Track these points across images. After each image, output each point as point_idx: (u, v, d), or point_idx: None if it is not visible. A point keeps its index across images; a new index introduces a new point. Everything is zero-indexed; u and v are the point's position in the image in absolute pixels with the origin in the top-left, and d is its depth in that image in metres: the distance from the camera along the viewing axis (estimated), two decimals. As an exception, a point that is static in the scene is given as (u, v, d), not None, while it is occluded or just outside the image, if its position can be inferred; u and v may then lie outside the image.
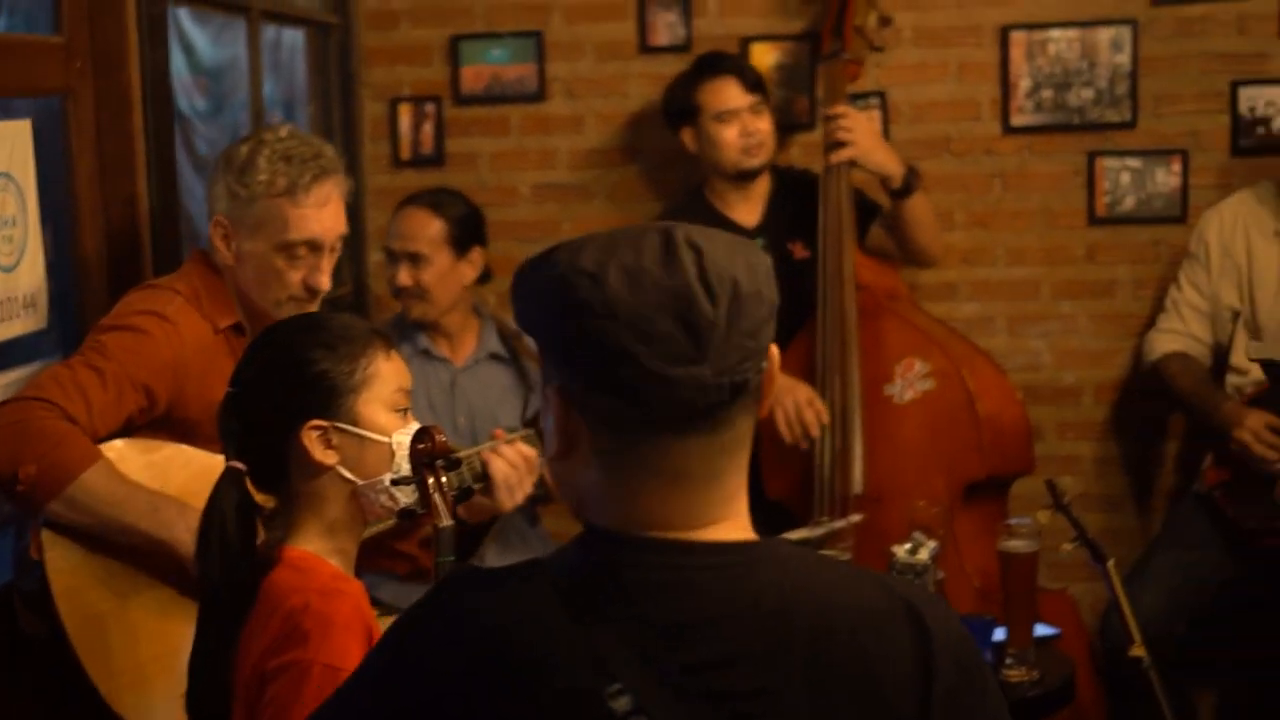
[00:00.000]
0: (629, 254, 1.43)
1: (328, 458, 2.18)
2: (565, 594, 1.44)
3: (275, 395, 2.18)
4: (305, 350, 2.19)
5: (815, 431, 3.77)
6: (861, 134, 3.92)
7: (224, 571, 2.12)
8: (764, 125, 4.00)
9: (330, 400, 2.19)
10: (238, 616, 2.11)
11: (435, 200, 3.85)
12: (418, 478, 2.24)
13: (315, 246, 2.98)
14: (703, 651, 1.41)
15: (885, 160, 3.93)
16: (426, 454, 2.24)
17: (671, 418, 1.43)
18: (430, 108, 4.48)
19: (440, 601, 1.51)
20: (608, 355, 1.41)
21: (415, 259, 3.77)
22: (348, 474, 2.20)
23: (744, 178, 4.03)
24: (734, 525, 1.49)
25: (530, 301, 1.49)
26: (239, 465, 2.16)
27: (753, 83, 4.02)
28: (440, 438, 2.25)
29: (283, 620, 2.05)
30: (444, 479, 2.26)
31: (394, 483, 2.23)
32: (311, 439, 2.17)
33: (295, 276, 2.98)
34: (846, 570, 1.54)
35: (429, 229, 3.78)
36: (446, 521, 2.23)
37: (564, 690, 1.40)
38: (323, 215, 2.99)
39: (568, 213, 4.48)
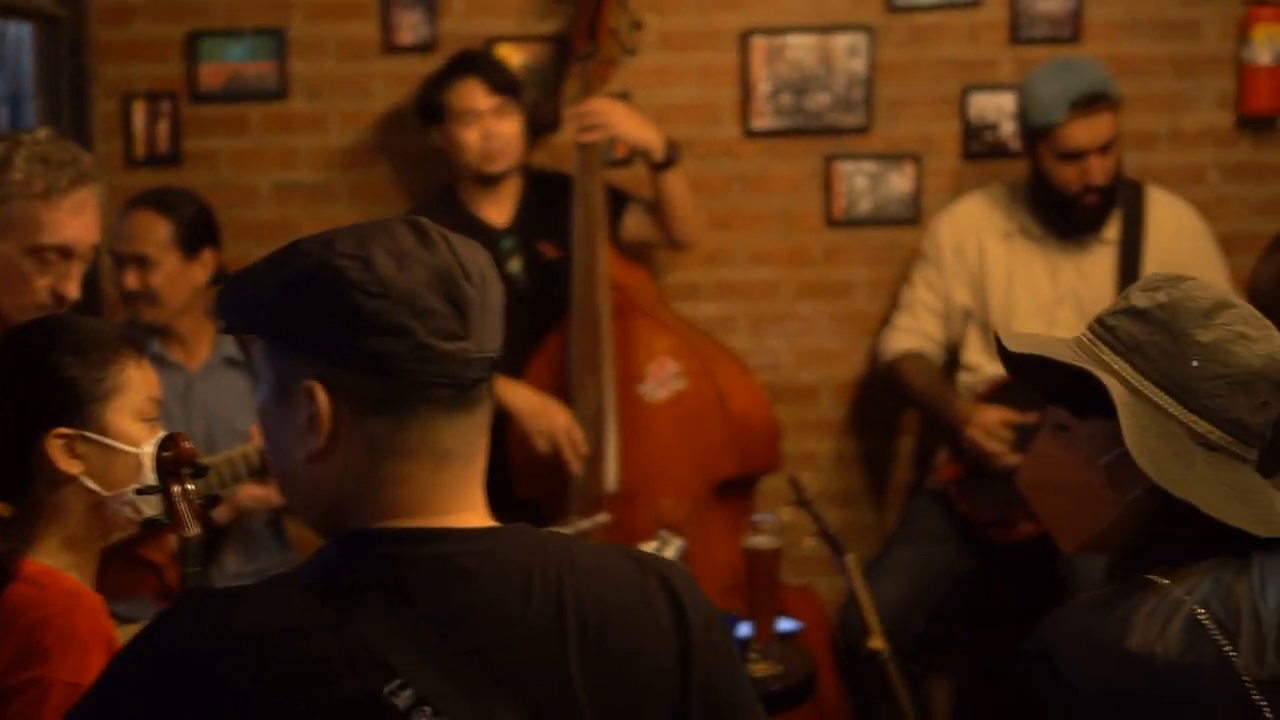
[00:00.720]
0: (385, 239, 1.47)
1: (72, 467, 2.11)
2: (329, 597, 1.43)
3: (19, 400, 2.11)
4: (53, 354, 2.12)
5: (576, 470, 3.79)
6: (614, 115, 3.94)
7: None
8: (508, 129, 3.98)
9: (77, 407, 2.12)
10: None
11: (162, 200, 3.74)
12: (163, 487, 2.19)
13: (67, 253, 2.90)
14: (480, 637, 1.43)
15: (646, 134, 3.97)
16: (171, 461, 2.18)
17: (442, 395, 1.46)
18: (166, 105, 4.36)
19: (187, 618, 1.46)
20: (383, 334, 1.44)
21: (142, 262, 3.66)
22: (92, 485, 2.13)
23: (488, 180, 4.01)
24: (483, 511, 1.52)
25: (273, 298, 1.48)
26: None
27: (500, 84, 4.00)
28: (185, 445, 2.20)
29: (21, 636, 1.99)
30: (190, 487, 2.21)
31: (139, 492, 2.17)
32: (56, 447, 2.11)
33: (43, 282, 2.89)
34: (599, 548, 1.58)
35: (156, 230, 3.67)
36: (194, 531, 2.18)
37: (343, 694, 1.39)
38: (77, 222, 2.90)
39: (310, 213, 4.40)
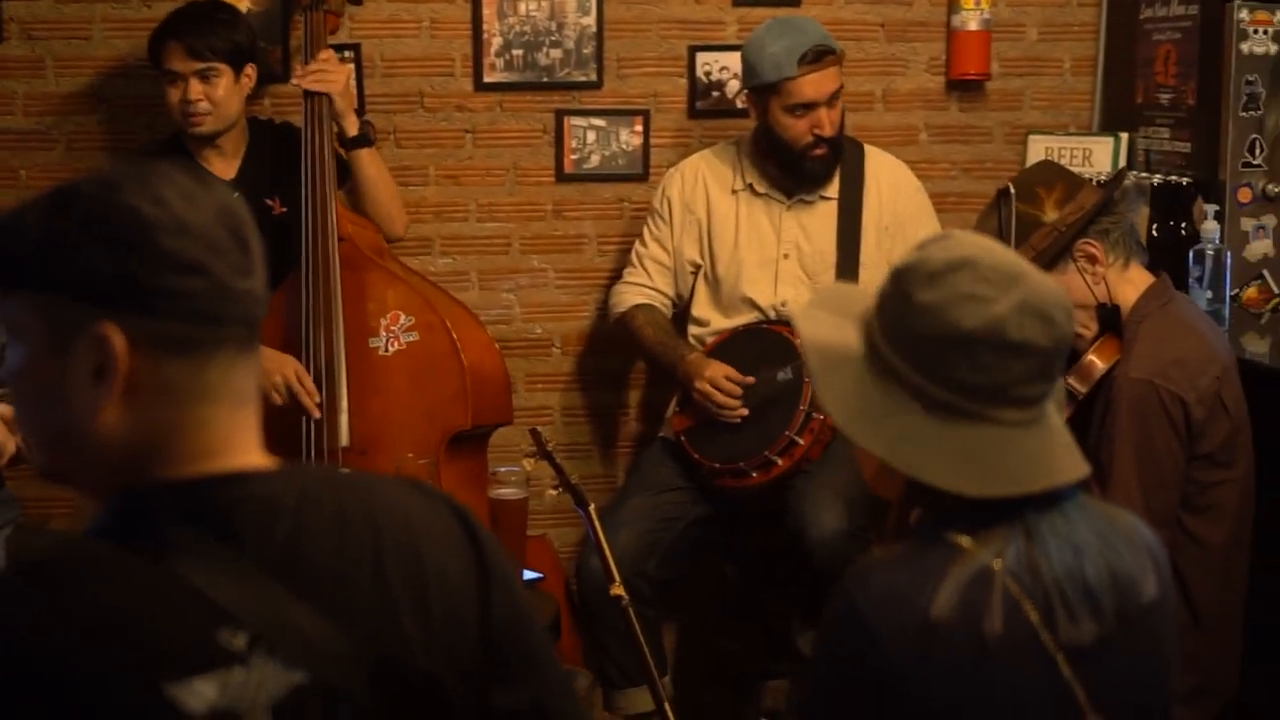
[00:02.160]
0: (166, 180, 1.44)
1: None
2: (148, 551, 1.39)
3: None
4: None
5: (316, 414, 3.76)
6: (340, 76, 3.90)
7: None
8: (215, 92, 3.87)
9: None
10: None
11: None
12: None
13: None
14: (307, 573, 1.42)
15: (349, 110, 3.93)
16: None
17: (237, 334, 1.45)
18: None
19: None
20: (184, 273, 1.41)
21: None
22: None
23: (197, 139, 3.92)
24: (264, 453, 1.51)
25: (52, 245, 1.41)
26: None
27: (201, 50, 3.85)
28: None
29: None
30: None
31: None
32: None
33: None
34: (388, 480, 1.58)
35: None
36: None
37: (181, 643, 1.36)
38: None
39: (25, 160, 4.25)
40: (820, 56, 3.91)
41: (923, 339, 1.81)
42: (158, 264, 1.40)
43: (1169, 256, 3.91)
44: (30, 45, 4.23)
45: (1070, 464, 1.83)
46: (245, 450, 1.47)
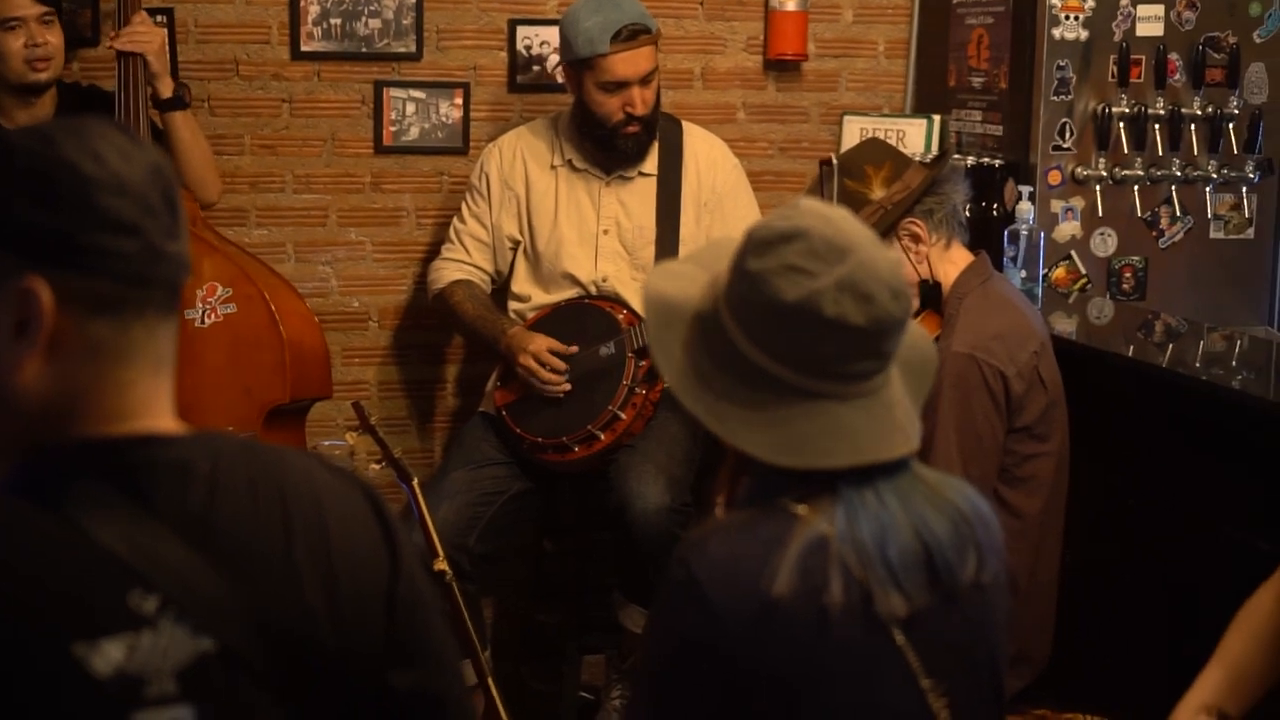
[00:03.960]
0: (104, 138, 1.42)
1: None
2: (59, 509, 1.37)
3: None
4: None
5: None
6: (151, 35, 3.81)
7: None
8: (53, 38, 3.79)
9: None
10: None
11: None
12: None
13: None
14: (218, 538, 1.41)
15: (164, 72, 3.85)
16: None
17: (162, 297, 1.44)
18: None
19: None
20: (118, 232, 1.40)
21: None
22: None
23: (29, 91, 3.81)
24: (172, 416, 1.48)
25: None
26: None
27: None
28: None
29: None
30: None
31: None
32: None
33: None
34: (294, 453, 1.57)
35: None
36: None
37: (89, 603, 1.34)
38: None
39: None
40: (634, 35, 3.92)
41: (747, 304, 1.82)
42: (94, 222, 1.39)
43: (981, 236, 4.01)
44: None
45: (890, 442, 1.83)
46: (160, 414, 1.45)
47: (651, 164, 4.10)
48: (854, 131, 4.55)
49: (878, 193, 3.17)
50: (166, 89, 3.84)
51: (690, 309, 1.89)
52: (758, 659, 1.76)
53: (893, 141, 4.45)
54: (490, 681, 3.48)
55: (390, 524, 1.53)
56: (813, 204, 1.87)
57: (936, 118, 4.50)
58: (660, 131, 4.10)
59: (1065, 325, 3.93)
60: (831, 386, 1.80)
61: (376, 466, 3.46)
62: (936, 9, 4.58)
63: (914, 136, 4.50)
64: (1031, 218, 3.94)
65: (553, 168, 4.13)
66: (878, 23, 4.66)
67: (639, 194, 4.10)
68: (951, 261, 3.20)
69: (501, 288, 4.20)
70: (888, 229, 3.13)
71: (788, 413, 1.80)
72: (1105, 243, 4.17)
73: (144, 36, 3.78)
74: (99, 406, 1.42)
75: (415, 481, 3.45)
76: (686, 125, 4.20)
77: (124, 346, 1.42)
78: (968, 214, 4.06)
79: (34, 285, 1.38)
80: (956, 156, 4.28)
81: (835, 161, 3.20)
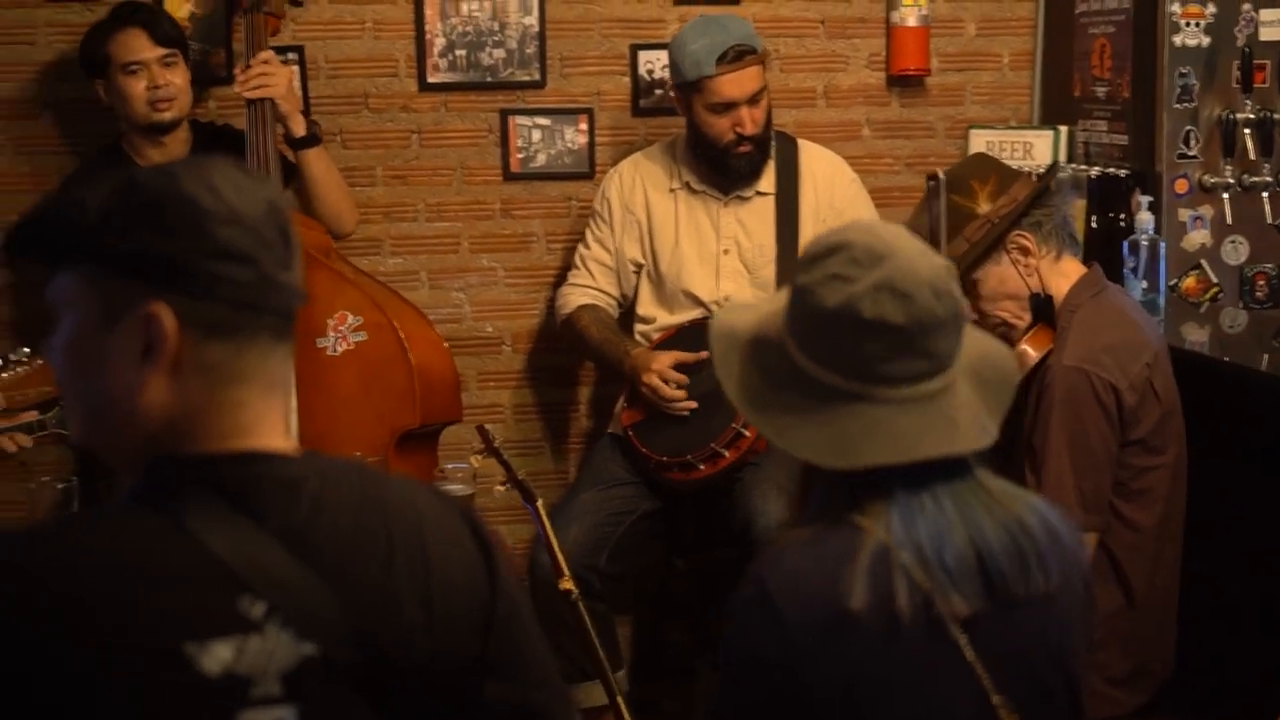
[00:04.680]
0: (222, 173, 1.52)
1: None
2: (175, 520, 1.47)
3: None
4: None
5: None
6: (277, 76, 3.92)
7: None
8: (176, 79, 3.92)
9: None
10: None
11: None
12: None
13: None
14: (322, 554, 1.49)
15: (292, 106, 3.96)
16: None
17: (276, 323, 1.53)
18: None
19: (12, 563, 1.45)
20: (233, 261, 1.49)
21: None
22: None
23: (156, 131, 3.94)
24: (286, 437, 1.58)
25: (108, 224, 1.49)
26: None
27: (165, 36, 3.92)
28: None
29: None
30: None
31: None
32: None
33: None
34: (399, 477, 1.66)
35: None
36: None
37: (201, 609, 1.44)
38: None
39: (-28, 165, 4.27)
40: (740, 56, 3.95)
41: (798, 317, 1.88)
42: (210, 250, 1.48)
43: (1107, 248, 3.97)
44: (-26, 50, 4.25)
45: (943, 440, 1.84)
46: (273, 434, 1.55)
47: (768, 183, 4.13)
48: (980, 144, 4.53)
49: (984, 207, 3.16)
50: (299, 127, 3.95)
51: (753, 332, 1.95)
52: (828, 672, 1.80)
53: (1019, 154, 4.44)
54: (620, 701, 3.51)
55: (489, 547, 1.61)
56: (861, 221, 1.94)
57: (1064, 129, 4.47)
58: (776, 150, 4.13)
59: (1196, 335, 3.89)
60: (880, 390, 1.84)
61: (501, 488, 3.51)
62: (1060, 19, 4.55)
63: (1041, 148, 4.47)
64: (1151, 227, 3.89)
65: (671, 190, 4.18)
66: (1001, 35, 4.64)
67: (757, 213, 4.13)
68: (1063, 274, 3.18)
69: (627, 311, 4.25)
70: (995, 242, 3.13)
71: (835, 415, 1.84)
72: (1237, 250, 4.11)
73: (268, 80, 3.87)
74: (215, 424, 1.52)
75: (540, 502, 3.51)
76: (802, 143, 4.22)
77: (238, 369, 1.51)
78: (1093, 225, 4.06)
79: (158, 310, 1.48)
80: (1081, 167, 4.25)
81: (941, 177, 3.20)
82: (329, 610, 1.47)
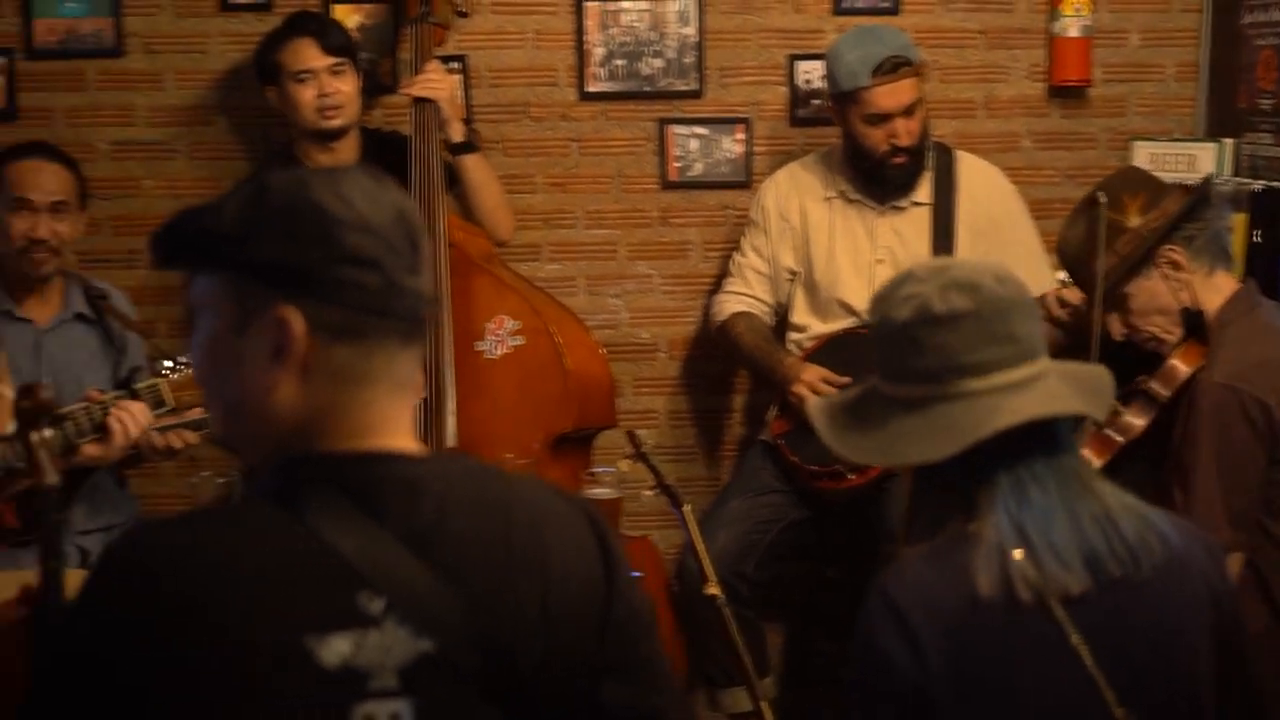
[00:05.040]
0: (353, 181, 1.58)
1: None
2: (300, 516, 1.52)
3: None
4: None
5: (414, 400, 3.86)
6: (444, 83, 4.02)
7: None
8: (345, 87, 4.03)
9: None
10: None
11: (58, 153, 3.79)
12: (22, 435, 2.23)
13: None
14: (442, 552, 1.54)
15: (456, 117, 4.05)
16: (31, 411, 2.22)
17: (404, 327, 1.58)
18: (1, 61, 4.33)
19: (123, 570, 1.52)
20: (360, 266, 1.55)
21: (58, 209, 3.70)
22: None
23: (326, 137, 4.05)
24: (412, 437, 1.63)
25: (243, 231, 1.55)
26: None
27: (335, 45, 4.04)
28: (44, 394, 2.24)
29: None
30: (48, 435, 2.25)
31: None
32: None
33: None
34: (527, 478, 1.70)
35: (67, 180, 3.73)
36: (53, 478, 2.22)
37: (323, 601, 1.50)
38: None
39: (149, 170, 4.42)
40: (896, 67, 3.96)
41: (883, 353, 1.99)
42: (338, 257, 1.55)
43: (1271, 264, 3.90)
44: (150, 59, 4.39)
45: (1041, 403, 1.92)
46: (398, 434, 1.61)
47: (924, 193, 4.13)
48: (1143, 157, 4.47)
49: (1134, 220, 3.14)
50: (458, 134, 4.05)
51: (847, 400, 2.06)
52: (953, 670, 1.85)
53: (1183, 167, 4.37)
54: (765, 707, 3.53)
55: (611, 551, 1.64)
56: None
57: (1228, 142, 4.40)
58: (933, 160, 4.13)
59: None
60: (970, 381, 1.92)
61: (650, 493, 3.55)
62: (1226, 31, 4.48)
63: (1204, 161, 4.40)
64: (1311, 242, 3.82)
65: (827, 199, 4.19)
66: (1166, 46, 4.59)
67: (913, 223, 4.13)
68: (1215, 289, 3.14)
69: (781, 319, 4.28)
70: (1145, 256, 3.11)
71: (935, 415, 1.93)
72: (1402, 267, 4.01)
73: (436, 83, 3.98)
74: (341, 424, 1.58)
75: (687, 507, 3.54)
76: (960, 154, 4.22)
77: (365, 371, 1.57)
78: (1255, 240, 3.99)
79: (287, 314, 1.54)
80: (1245, 181, 4.18)
81: (1103, 199, 3.17)
82: (446, 608, 1.51)
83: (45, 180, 3.70)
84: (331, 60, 4.01)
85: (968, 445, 1.89)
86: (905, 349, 1.94)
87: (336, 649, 1.49)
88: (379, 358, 1.57)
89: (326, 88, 4.00)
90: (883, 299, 2.00)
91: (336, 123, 4.03)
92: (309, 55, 4.00)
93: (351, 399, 1.58)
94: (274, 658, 1.47)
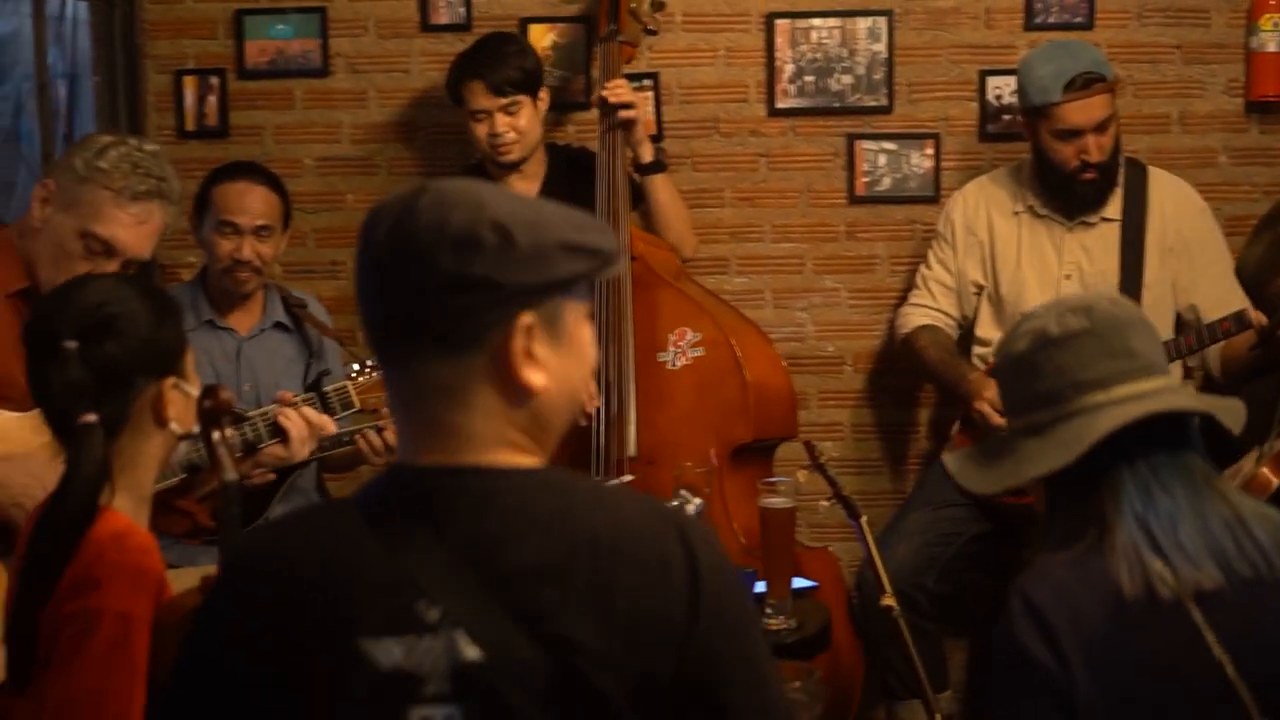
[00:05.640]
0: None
1: (172, 414, 2.27)
2: (372, 523, 1.61)
3: (139, 350, 2.23)
4: (159, 308, 2.26)
5: (590, 410, 3.95)
6: (637, 107, 4.11)
7: (81, 520, 2.13)
8: (518, 123, 4.10)
9: (178, 359, 2.29)
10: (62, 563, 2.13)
11: (265, 175, 3.94)
12: (204, 433, 2.34)
13: (111, 251, 3.10)
14: (502, 566, 1.58)
15: (644, 137, 4.14)
16: (212, 411, 2.33)
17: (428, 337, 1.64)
18: (215, 80, 4.55)
19: (235, 567, 1.66)
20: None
21: (264, 232, 3.85)
22: (179, 430, 2.28)
23: (502, 167, 4.16)
24: (511, 450, 1.66)
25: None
26: (94, 418, 2.16)
27: (502, 85, 4.08)
28: (225, 395, 2.35)
29: (78, 570, 2.12)
30: (229, 434, 2.36)
31: (182, 438, 2.32)
32: (172, 395, 2.26)
33: (80, 266, 3.07)
34: (628, 495, 1.72)
35: (273, 204, 3.88)
36: (232, 476, 2.33)
37: (383, 606, 1.57)
38: (135, 229, 3.12)
39: (351, 185, 4.59)
40: (1088, 84, 3.93)
41: (1008, 393, 2.07)
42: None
43: None
44: (355, 78, 4.57)
45: (1162, 401, 1.96)
46: (489, 448, 1.64)
47: (1114, 209, 4.09)
48: (1344, 172, 4.39)
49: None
50: (647, 154, 4.13)
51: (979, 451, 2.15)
52: (1094, 670, 1.88)
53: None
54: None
55: (699, 570, 1.60)
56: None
57: None
58: (1124, 176, 4.09)
59: None
60: (1093, 395, 1.97)
61: (826, 503, 3.59)
62: None
63: None
64: None
65: (1015, 214, 4.18)
66: (1370, 59, 4.48)
67: (1102, 240, 4.10)
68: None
69: (965, 332, 4.28)
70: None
71: (1062, 431, 1.97)
72: None
73: (627, 94, 4.06)
74: (425, 438, 1.64)
75: (864, 519, 3.56)
76: (1153, 170, 4.17)
77: (404, 385, 1.66)
78: None
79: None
80: None
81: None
82: (500, 620, 1.55)
83: (251, 204, 3.85)
84: (502, 100, 4.08)
85: (1084, 450, 1.91)
86: (1026, 377, 2.00)
87: (391, 653, 1.56)
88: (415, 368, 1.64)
89: (497, 127, 4.08)
90: (1004, 341, 2.07)
91: (508, 159, 4.12)
92: (479, 97, 4.09)
93: (406, 414, 1.65)
94: (331, 656, 1.56)
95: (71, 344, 2.17)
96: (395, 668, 1.56)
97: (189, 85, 4.55)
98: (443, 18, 4.52)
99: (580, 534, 1.59)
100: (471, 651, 1.55)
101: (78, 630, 2.09)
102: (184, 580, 2.28)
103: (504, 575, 1.57)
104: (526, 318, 1.61)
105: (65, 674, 2.07)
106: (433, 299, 1.59)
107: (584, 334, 1.69)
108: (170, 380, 2.26)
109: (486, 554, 1.58)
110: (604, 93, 4.06)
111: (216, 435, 2.33)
